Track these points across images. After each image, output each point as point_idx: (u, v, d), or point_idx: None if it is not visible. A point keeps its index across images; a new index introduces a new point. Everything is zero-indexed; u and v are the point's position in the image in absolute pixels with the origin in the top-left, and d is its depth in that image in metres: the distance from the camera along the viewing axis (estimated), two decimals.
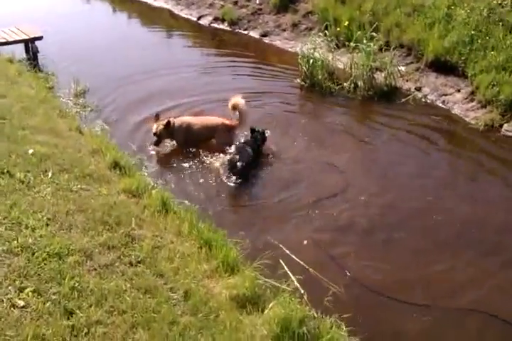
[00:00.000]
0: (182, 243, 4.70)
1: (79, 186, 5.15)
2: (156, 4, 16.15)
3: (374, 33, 9.78)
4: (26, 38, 11.34)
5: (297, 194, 6.70)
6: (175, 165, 7.42)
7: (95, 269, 3.89)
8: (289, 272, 5.00)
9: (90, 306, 3.43)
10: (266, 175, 7.25)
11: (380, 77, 9.55)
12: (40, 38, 11.40)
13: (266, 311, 3.81)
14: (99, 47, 12.11)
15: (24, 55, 11.23)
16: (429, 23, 9.72)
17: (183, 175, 7.12)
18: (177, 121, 7.74)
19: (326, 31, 10.53)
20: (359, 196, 6.60)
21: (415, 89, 9.37)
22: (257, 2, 13.33)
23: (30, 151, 5.53)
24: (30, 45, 11.40)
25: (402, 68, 9.72)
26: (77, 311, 3.36)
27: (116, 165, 6.01)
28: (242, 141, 7.57)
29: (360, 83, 9.37)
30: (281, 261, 5.22)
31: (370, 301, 4.97)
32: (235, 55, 11.80)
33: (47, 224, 4.28)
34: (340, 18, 10.99)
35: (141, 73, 10.45)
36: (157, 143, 7.69)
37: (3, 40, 11.05)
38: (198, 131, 7.74)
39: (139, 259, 4.16)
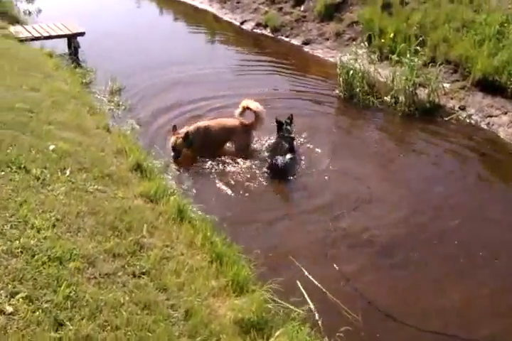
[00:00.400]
0: (193, 255, 4.46)
1: (95, 187, 4.96)
2: (201, 6, 16.14)
3: (419, 47, 9.40)
4: (69, 33, 11.45)
5: (321, 206, 6.39)
6: (202, 170, 7.22)
7: (95, 278, 3.67)
8: (306, 296, 4.70)
9: (82, 318, 3.20)
10: (291, 185, 6.96)
11: (422, 93, 9.14)
12: (82, 34, 11.51)
13: (271, 340, 3.51)
14: (142, 46, 12.11)
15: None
16: (479, 39, 9.26)
17: (208, 181, 6.91)
18: (192, 127, 7.53)
19: (368, 42, 10.21)
20: (384, 212, 6.27)
21: (459, 108, 8.93)
22: (302, 9, 13.08)
23: (51, 147, 5.39)
24: (72, 40, 11.49)
25: (447, 85, 9.29)
26: (68, 323, 3.13)
27: (138, 168, 5.82)
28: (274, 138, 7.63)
29: (401, 98, 8.99)
30: (298, 283, 4.94)
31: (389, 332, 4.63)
32: (273, 61, 11.57)
33: (54, 225, 4.09)
34: (385, 29, 10.65)
35: (181, 75, 10.35)
36: (176, 157, 7.41)
37: (47, 34, 11.15)
38: (216, 133, 7.52)
39: (144, 270, 3.92)
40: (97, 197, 4.78)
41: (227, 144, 7.75)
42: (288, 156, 7.06)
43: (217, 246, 4.54)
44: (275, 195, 6.78)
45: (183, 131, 7.40)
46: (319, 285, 5.04)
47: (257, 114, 7.50)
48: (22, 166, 4.79)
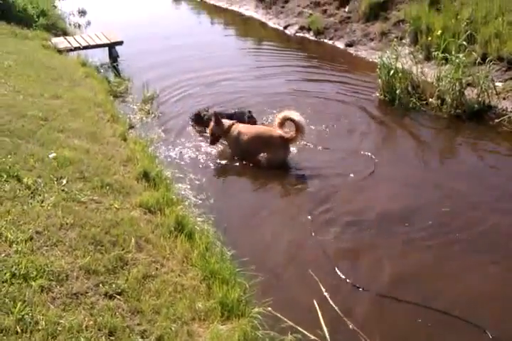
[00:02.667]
0: (185, 273, 4.02)
1: (90, 197, 4.64)
2: (247, 13, 15.92)
3: (469, 44, 8.61)
4: (107, 42, 11.42)
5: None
6: (225, 178, 6.81)
7: (61, 298, 3.30)
8: (321, 320, 4.12)
9: None
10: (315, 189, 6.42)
11: (472, 93, 8.34)
12: (120, 43, 11.49)
13: None
14: (183, 54, 11.93)
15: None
16: None
17: (230, 191, 6.48)
18: (233, 126, 7.10)
19: (415, 41, 9.52)
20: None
21: None
22: (346, 10, 12.51)
23: (52, 155, 5.14)
24: (111, 49, 11.47)
25: (500, 84, 8.43)
26: None
27: (144, 176, 5.47)
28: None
29: (447, 99, 8.22)
30: (315, 302, 4.37)
31: None
32: (316, 64, 11.07)
33: (31, 239, 3.77)
34: (433, 26, 9.90)
35: (218, 83, 10.08)
36: (213, 142, 7.22)
37: (85, 44, 11.18)
38: (248, 142, 6.93)
39: (120, 290, 3.52)
40: (88, 208, 4.45)
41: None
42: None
43: (211, 262, 4.05)
44: (301, 212, 6.13)
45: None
46: (335, 307, 4.45)
47: (298, 125, 6.72)
48: (15, 175, 4.54)
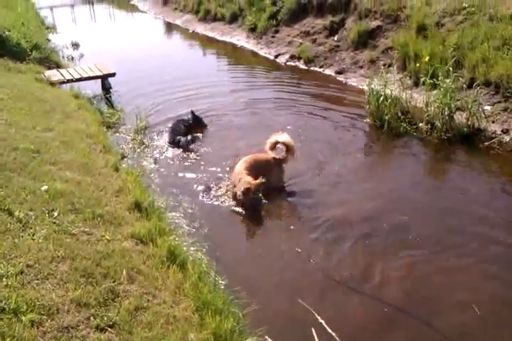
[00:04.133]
0: (177, 304, 3.97)
1: (81, 229, 4.63)
2: (239, 44, 16.18)
3: (456, 69, 8.78)
4: (100, 74, 11.54)
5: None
6: (219, 206, 6.79)
7: (51, 332, 3.26)
8: None
9: None
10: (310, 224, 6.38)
11: (461, 117, 8.44)
12: (112, 75, 11.63)
13: None
14: (175, 84, 12.09)
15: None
16: None
17: (224, 219, 6.45)
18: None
19: (403, 67, 9.67)
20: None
21: (502, 131, 8.14)
22: (335, 39, 12.74)
23: (44, 188, 5.14)
24: (103, 81, 11.60)
25: (488, 108, 8.55)
26: None
27: (136, 207, 5.46)
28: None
29: (437, 123, 8.31)
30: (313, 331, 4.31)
31: None
32: (306, 92, 11.20)
33: (21, 272, 3.75)
34: (420, 53, 10.08)
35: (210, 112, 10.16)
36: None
37: (78, 77, 11.29)
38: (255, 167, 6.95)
39: (112, 323, 3.48)
40: (79, 240, 4.43)
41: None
42: (189, 137, 8.54)
43: (204, 292, 4.01)
44: (293, 237, 6.10)
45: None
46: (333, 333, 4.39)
47: (288, 146, 7.11)
48: (6, 208, 4.54)
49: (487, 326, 4.49)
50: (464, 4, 10.62)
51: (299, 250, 5.58)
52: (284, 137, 7.11)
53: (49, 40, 16.61)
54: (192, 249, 5.22)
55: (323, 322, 4.52)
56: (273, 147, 7.18)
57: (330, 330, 4.46)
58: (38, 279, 3.75)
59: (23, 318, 3.28)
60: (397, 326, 4.54)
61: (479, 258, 5.38)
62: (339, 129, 9.12)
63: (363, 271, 5.27)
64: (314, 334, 4.29)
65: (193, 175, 7.40)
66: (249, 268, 5.28)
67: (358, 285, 5.05)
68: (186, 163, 7.94)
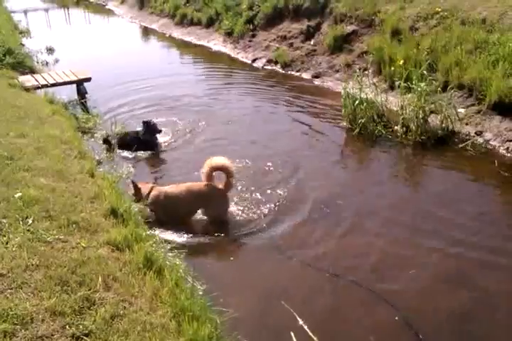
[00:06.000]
0: (154, 311, 3.93)
1: (56, 236, 4.55)
2: (216, 48, 16.18)
3: (430, 73, 8.91)
4: (75, 79, 11.44)
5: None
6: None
7: None
8: None
9: None
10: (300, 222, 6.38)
11: (435, 120, 8.56)
12: (88, 80, 11.55)
13: None
14: (152, 88, 12.09)
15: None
16: (493, 60, 8.68)
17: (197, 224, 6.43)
18: (153, 191, 6.43)
19: (379, 71, 9.78)
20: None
21: (475, 133, 8.28)
22: (312, 43, 12.83)
23: (17, 195, 5.06)
24: (79, 86, 11.50)
25: (462, 110, 8.69)
26: None
27: (112, 213, 5.40)
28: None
29: (412, 126, 8.42)
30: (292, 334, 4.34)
31: None
32: (282, 95, 11.25)
33: None
34: (395, 57, 10.20)
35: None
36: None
37: (53, 82, 11.18)
38: (183, 202, 6.29)
39: (87, 331, 3.42)
40: (54, 248, 4.36)
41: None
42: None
43: (181, 299, 3.99)
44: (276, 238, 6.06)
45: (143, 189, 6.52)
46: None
47: (227, 171, 6.25)
48: None
49: None
50: (437, 8, 10.78)
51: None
52: (221, 161, 6.21)
53: (23, 45, 16.39)
54: (169, 254, 5.18)
55: (302, 323, 4.60)
56: (211, 173, 6.29)
57: (311, 333, 4.53)
58: (11, 288, 3.68)
59: None
60: None
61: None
62: (315, 132, 9.17)
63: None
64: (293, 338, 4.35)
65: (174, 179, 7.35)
66: (228, 273, 5.27)
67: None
68: (163, 168, 7.91)
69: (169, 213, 6.32)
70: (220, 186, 6.33)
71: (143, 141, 8.59)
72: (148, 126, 8.66)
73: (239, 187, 6.99)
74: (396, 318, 4.63)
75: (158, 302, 4.08)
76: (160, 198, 6.36)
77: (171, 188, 6.46)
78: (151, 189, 6.46)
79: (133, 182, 6.55)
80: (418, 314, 4.70)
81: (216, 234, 6.02)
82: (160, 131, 8.74)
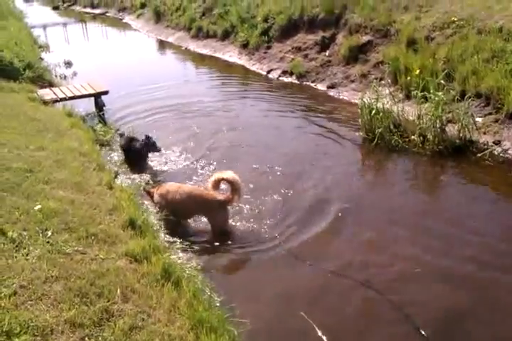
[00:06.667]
0: (172, 323, 3.94)
1: (75, 248, 4.60)
2: (231, 60, 16.27)
3: (447, 82, 8.87)
4: (93, 92, 11.58)
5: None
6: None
7: None
8: None
9: None
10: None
11: (453, 129, 8.50)
12: (105, 93, 11.67)
13: None
14: (167, 102, 12.19)
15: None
16: (510, 69, 8.62)
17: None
18: (158, 190, 6.71)
19: (395, 81, 9.77)
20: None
21: (493, 143, 8.20)
22: (327, 54, 12.86)
23: (37, 207, 5.12)
24: (97, 99, 11.63)
25: (479, 119, 8.62)
26: None
27: (130, 225, 5.44)
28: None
29: (429, 136, 8.37)
30: None
31: None
32: (299, 108, 11.27)
33: (15, 293, 3.71)
34: (411, 66, 10.18)
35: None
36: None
37: (71, 95, 11.32)
38: (181, 202, 6.44)
39: None
40: (73, 260, 4.40)
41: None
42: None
43: (199, 310, 3.99)
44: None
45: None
46: None
47: (234, 185, 6.20)
48: None
49: None
50: (453, 18, 10.75)
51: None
52: (229, 175, 6.22)
53: (42, 59, 16.66)
54: (187, 266, 5.20)
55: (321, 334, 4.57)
56: (217, 184, 6.36)
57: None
58: (31, 300, 3.71)
59: (17, 340, 3.24)
60: None
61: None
62: (332, 142, 9.17)
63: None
64: None
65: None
66: (245, 284, 5.26)
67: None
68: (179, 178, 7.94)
69: (168, 210, 6.51)
70: (221, 197, 6.31)
71: (136, 149, 8.52)
72: (148, 140, 8.52)
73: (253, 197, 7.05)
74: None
75: (176, 314, 4.09)
76: (162, 194, 6.61)
77: (172, 186, 6.68)
78: (157, 188, 6.77)
79: (144, 190, 6.92)
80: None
81: (231, 243, 6.04)
82: (158, 150, 8.61)
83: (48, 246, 4.51)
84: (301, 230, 6.33)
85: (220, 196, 6.32)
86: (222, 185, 6.56)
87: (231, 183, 6.24)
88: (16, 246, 4.38)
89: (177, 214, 6.52)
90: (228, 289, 4.95)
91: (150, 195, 6.82)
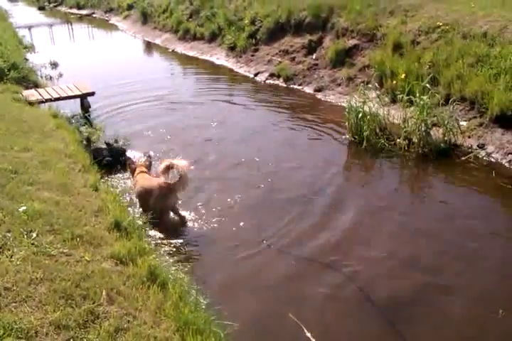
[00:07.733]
0: (158, 325, 3.93)
1: (60, 250, 4.56)
2: (218, 62, 16.28)
3: (432, 86, 8.95)
4: (79, 93, 11.52)
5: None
6: (205, 225, 6.74)
7: None
8: None
9: None
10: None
11: (437, 133, 8.59)
12: (92, 94, 11.63)
13: None
14: (154, 104, 12.19)
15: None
16: (495, 74, 8.74)
17: (208, 237, 6.42)
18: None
19: (380, 85, 9.85)
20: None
21: (478, 146, 8.30)
22: (314, 57, 12.93)
23: (22, 209, 5.07)
24: (82, 100, 11.58)
25: (464, 123, 8.72)
26: None
27: (116, 226, 5.41)
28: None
29: (414, 139, 8.45)
30: None
31: None
32: (285, 109, 11.32)
33: None
34: (397, 70, 10.27)
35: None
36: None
37: (57, 96, 11.25)
38: (139, 192, 6.83)
39: None
40: (58, 262, 4.36)
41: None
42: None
43: (184, 312, 3.98)
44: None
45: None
46: None
47: (181, 174, 6.51)
48: None
49: None
50: (438, 23, 10.87)
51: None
52: (179, 163, 6.54)
53: (27, 60, 16.53)
54: (173, 268, 5.18)
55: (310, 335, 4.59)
56: (166, 170, 6.64)
57: None
58: (15, 302, 3.68)
59: None
60: None
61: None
62: (319, 145, 9.22)
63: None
64: None
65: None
66: (231, 286, 5.26)
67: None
68: None
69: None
70: (161, 182, 6.62)
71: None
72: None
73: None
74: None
75: (162, 316, 4.07)
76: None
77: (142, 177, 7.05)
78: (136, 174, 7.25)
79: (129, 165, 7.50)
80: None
81: (217, 245, 6.06)
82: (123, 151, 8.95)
83: (32, 247, 4.47)
84: (288, 228, 6.41)
85: (160, 181, 6.63)
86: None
87: (177, 170, 6.52)
88: (0, 248, 4.34)
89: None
90: (214, 291, 4.95)
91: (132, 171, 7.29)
